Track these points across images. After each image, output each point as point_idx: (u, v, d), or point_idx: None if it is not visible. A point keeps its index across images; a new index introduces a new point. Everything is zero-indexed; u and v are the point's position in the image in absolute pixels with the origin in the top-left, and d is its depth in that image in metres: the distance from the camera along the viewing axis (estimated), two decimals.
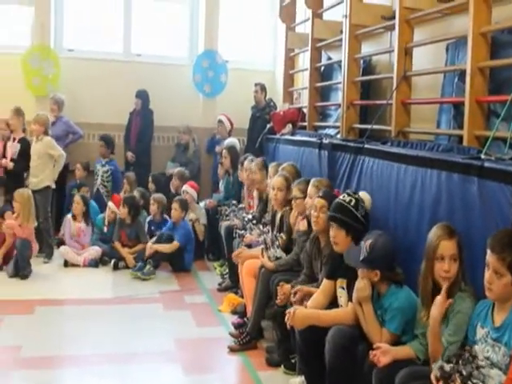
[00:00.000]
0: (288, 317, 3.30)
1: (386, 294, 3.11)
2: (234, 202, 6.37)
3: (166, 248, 6.33)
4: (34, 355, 4.18)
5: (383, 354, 2.76)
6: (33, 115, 6.73)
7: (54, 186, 6.77)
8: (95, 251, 6.63)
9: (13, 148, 6.78)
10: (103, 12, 8.49)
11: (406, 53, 4.44)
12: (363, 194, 3.67)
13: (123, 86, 8.11)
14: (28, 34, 8.13)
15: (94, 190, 7.79)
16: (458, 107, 3.94)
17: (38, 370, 3.97)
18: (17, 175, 6.83)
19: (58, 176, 6.87)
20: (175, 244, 6.36)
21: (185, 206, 6.66)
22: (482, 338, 2.50)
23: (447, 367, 2.35)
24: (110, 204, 6.96)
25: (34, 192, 6.39)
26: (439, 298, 2.67)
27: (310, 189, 4.15)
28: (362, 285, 3.11)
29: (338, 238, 3.45)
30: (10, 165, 6.72)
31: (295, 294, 3.70)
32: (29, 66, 7.90)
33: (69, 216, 6.82)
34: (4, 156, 6.81)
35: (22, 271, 5.96)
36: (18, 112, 6.86)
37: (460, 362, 2.35)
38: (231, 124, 8.02)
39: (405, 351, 2.84)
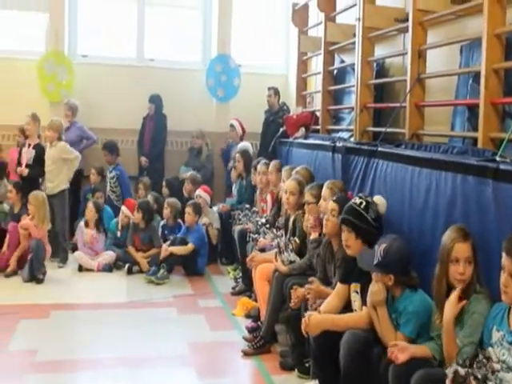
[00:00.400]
0: (304, 324, 3.30)
1: (400, 297, 3.09)
2: (247, 205, 6.36)
3: (181, 250, 6.32)
4: (49, 359, 4.20)
5: (401, 351, 2.74)
6: (47, 121, 6.78)
7: (68, 186, 6.81)
8: (109, 256, 6.65)
9: (28, 154, 6.82)
10: (116, 18, 8.56)
11: (420, 55, 4.41)
12: (378, 199, 3.63)
13: (136, 90, 8.15)
14: (43, 40, 8.22)
15: (106, 196, 7.82)
16: (472, 109, 3.92)
17: (54, 373, 3.99)
18: (32, 180, 6.86)
19: (73, 181, 6.92)
20: (190, 246, 6.36)
21: (198, 210, 6.67)
22: (498, 342, 2.47)
23: (462, 371, 2.32)
24: (124, 208, 6.97)
25: (50, 197, 6.45)
26: (452, 298, 2.65)
27: (325, 191, 4.13)
28: (376, 288, 3.09)
29: (349, 241, 3.44)
30: (25, 171, 6.77)
31: (311, 282, 3.72)
32: (44, 72, 7.98)
33: (81, 223, 6.84)
34: (19, 162, 6.88)
35: (36, 272, 5.99)
36: (35, 118, 6.91)
37: (474, 365, 2.32)
38: (243, 130, 8.00)
39: (422, 350, 2.82)
